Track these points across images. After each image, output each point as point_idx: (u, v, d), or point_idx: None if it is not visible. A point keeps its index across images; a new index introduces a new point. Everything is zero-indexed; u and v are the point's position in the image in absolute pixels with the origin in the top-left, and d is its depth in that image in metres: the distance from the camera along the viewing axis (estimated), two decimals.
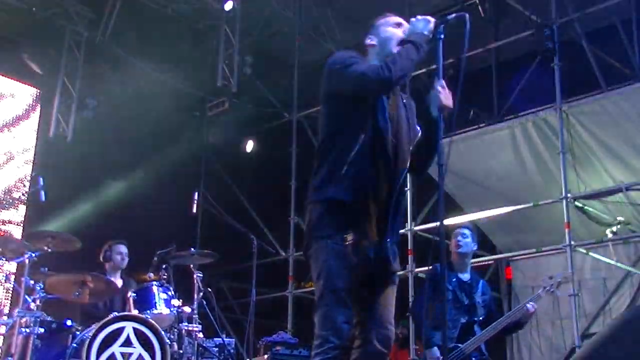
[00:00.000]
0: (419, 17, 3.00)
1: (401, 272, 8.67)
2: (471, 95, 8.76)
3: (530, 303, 4.93)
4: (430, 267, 5.12)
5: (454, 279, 4.95)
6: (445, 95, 2.91)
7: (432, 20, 2.97)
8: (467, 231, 5.06)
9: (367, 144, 2.79)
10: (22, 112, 8.53)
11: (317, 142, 3.03)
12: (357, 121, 2.83)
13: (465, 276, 5.03)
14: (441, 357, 4.62)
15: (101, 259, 6.04)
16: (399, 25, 3.06)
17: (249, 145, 9.52)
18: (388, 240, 2.85)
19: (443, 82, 2.94)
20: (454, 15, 3.01)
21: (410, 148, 2.97)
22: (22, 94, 8.58)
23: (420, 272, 8.26)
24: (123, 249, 6.05)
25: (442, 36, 2.99)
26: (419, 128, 3.03)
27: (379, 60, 2.93)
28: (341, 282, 2.70)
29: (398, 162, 2.88)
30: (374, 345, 2.80)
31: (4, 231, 7.75)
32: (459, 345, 4.75)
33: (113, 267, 6.03)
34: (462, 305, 4.90)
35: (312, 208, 2.87)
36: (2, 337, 5.78)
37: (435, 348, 4.68)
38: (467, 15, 2.94)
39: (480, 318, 4.92)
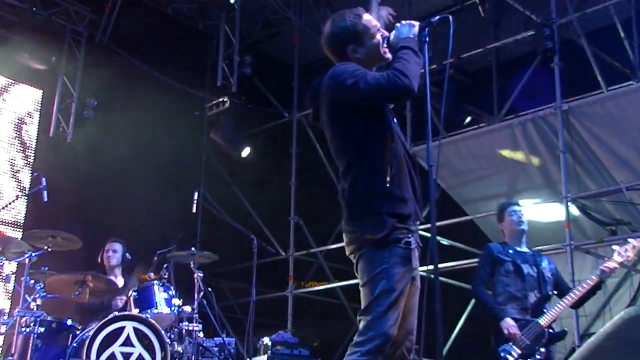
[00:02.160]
0: (403, 22, 3.00)
1: None
2: (471, 95, 8.78)
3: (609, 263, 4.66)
4: (484, 247, 5.05)
5: (510, 251, 4.88)
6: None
7: (416, 24, 2.98)
8: (522, 209, 5.03)
9: (397, 153, 2.86)
10: (22, 112, 8.53)
11: (334, 156, 3.00)
12: (381, 129, 2.88)
13: (523, 248, 4.96)
14: (515, 325, 4.60)
15: (99, 259, 6.07)
16: (379, 29, 3.05)
17: (245, 152, 9.51)
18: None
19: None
20: (437, 17, 3.01)
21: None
22: (22, 94, 8.58)
23: (420, 272, 8.25)
24: (113, 246, 6.09)
25: (427, 39, 3.00)
26: None
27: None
28: (401, 285, 2.77)
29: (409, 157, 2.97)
30: (401, 348, 2.85)
31: (4, 231, 7.75)
32: (534, 319, 4.67)
33: (109, 266, 6.05)
34: (528, 276, 4.80)
35: (362, 221, 2.84)
36: (2, 336, 5.78)
37: (508, 318, 4.62)
38: (450, 17, 2.95)
39: (549, 293, 4.82)
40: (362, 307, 2.79)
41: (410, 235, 2.81)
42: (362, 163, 2.85)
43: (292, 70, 10.26)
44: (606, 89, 7.43)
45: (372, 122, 2.88)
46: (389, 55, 2.99)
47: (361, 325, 2.76)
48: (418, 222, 2.93)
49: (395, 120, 3.02)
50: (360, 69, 2.89)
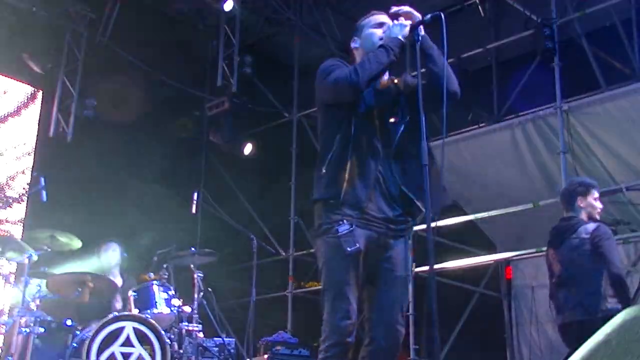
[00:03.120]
0: (396, 21, 2.99)
1: None
2: (471, 95, 8.77)
3: None
4: (604, 226, 4.50)
5: None
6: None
7: (407, 24, 2.97)
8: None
9: (346, 142, 2.84)
10: (22, 112, 8.52)
11: (317, 143, 3.08)
12: (337, 122, 2.90)
13: None
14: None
15: (97, 259, 6.07)
16: (380, 25, 3.07)
17: (248, 149, 9.51)
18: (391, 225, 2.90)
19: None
20: (429, 16, 3.00)
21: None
22: (22, 93, 8.58)
23: (420, 272, 8.25)
24: (113, 245, 6.11)
25: (420, 38, 2.99)
26: None
27: None
28: (342, 275, 2.76)
29: (385, 138, 2.92)
30: (379, 343, 2.81)
31: (4, 231, 7.75)
32: None
33: (108, 265, 6.05)
34: None
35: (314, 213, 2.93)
36: (2, 337, 5.78)
37: None
38: (442, 15, 2.93)
39: None
40: None
41: (340, 222, 2.75)
42: (320, 155, 2.91)
43: (292, 70, 10.26)
44: (606, 89, 7.43)
45: (333, 111, 2.92)
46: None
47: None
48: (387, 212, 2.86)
49: (392, 120, 2.98)
50: (337, 64, 2.93)
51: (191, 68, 9.87)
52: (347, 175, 2.79)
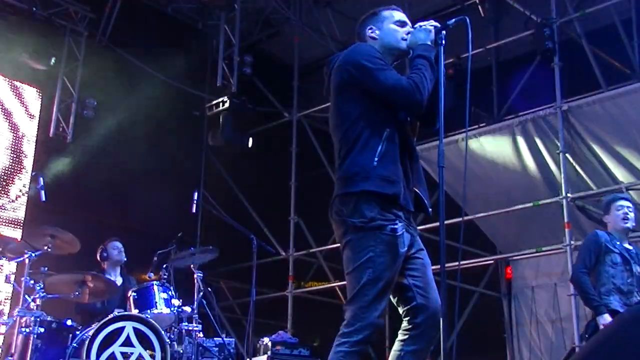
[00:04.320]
0: (420, 25, 3.00)
1: None
2: (471, 95, 8.77)
3: None
4: (591, 233, 4.68)
5: (618, 243, 4.56)
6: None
7: (432, 29, 2.98)
8: (631, 205, 4.69)
9: (392, 137, 2.84)
10: (22, 112, 8.52)
11: (331, 130, 3.01)
12: (383, 116, 2.87)
13: (627, 245, 4.63)
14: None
15: (98, 258, 6.05)
16: (403, 24, 3.07)
17: (250, 142, 9.54)
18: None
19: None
20: (453, 20, 3.02)
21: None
22: (22, 93, 8.58)
23: None
24: (118, 244, 6.09)
25: (444, 41, 3.00)
26: None
27: None
28: (387, 274, 2.74)
29: (413, 150, 2.97)
30: (426, 329, 2.79)
31: (2, 233, 7.74)
32: None
33: (112, 264, 6.04)
34: (636, 274, 4.50)
35: (347, 199, 2.82)
36: (2, 337, 5.78)
37: (607, 315, 4.33)
38: (467, 19, 2.97)
39: None
40: (348, 297, 2.77)
41: (396, 222, 2.77)
42: (356, 138, 2.84)
43: (292, 70, 10.26)
44: (606, 89, 7.43)
45: (378, 105, 2.87)
46: (404, 45, 3.01)
47: (347, 315, 2.74)
48: (411, 213, 2.89)
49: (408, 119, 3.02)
50: (381, 59, 2.90)
51: (191, 68, 9.87)
52: (400, 175, 2.82)
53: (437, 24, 3.02)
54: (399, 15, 3.10)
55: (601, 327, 4.29)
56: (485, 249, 8.90)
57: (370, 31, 3.06)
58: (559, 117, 7.44)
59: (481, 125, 8.51)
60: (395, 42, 3.02)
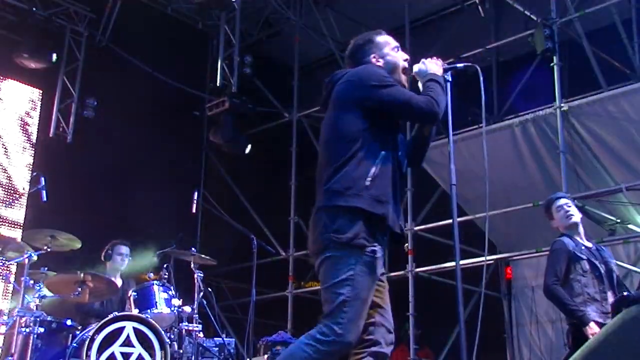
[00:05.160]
0: (429, 59, 3.12)
1: (401, 273, 8.69)
2: (471, 95, 8.78)
3: None
4: (556, 241, 4.57)
5: (583, 247, 4.50)
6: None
7: (440, 64, 3.11)
8: (568, 200, 4.70)
9: (387, 158, 2.90)
10: (22, 112, 8.53)
11: (322, 142, 3.03)
12: (382, 137, 2.93)
13: (588, 243, 4.58)
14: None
15: (102, 257, 6.04)
16: (398, 48, 3.19)
17: (248, 149, 9.54)
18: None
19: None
20: (462, 65, 3.19)
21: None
22: (22, 94, 8.58)
23: (420, 271, 8.26)
24: (124, 249, 6.02)
25: (451, 80, 3.12)
26: None
27: None
28: (366, 294, 2.78)
29: (402, 176, 3.05)
30: (382, 346, 2.87)
31: (3, 234, 7.74)
32: None
33: (112, 267, 6.02)
34: (603, 276, 4.44)
35: (333, 213, 2.82)
36: (2, 337, 5.78)
37: (593, 323, 4.21)
38: (478, 68, 3.14)
39: (626, 294, 4.28)
40: (325, 312, 2.76)
41: (376, 245, 2.79)
42: (351, 155, 2.86)
43: (292, 70, 10.26)
44: (606, 89, 7.43)
45: (378, 125, 2.92)
46: (403, 77, 3.12)
47: (323, 328, 2.73)
48: (396, 230, 2.91)
49: (401, 137, 3.09)
50: (390, 77, 3.00)
51: (191, 68, 9.87)
52: (390, 197, 2.86)
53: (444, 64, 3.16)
54: (392, 40, 3.21)
55: (589, 336, 4.20)
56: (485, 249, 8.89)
57: (373, 59, 3.13)
58: (559, 117, 7.44)
59: (481, 125, 8.50)
60: (395, 69, 3.12)
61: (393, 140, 2.98)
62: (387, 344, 2.89)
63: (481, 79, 3.13)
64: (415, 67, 3.10)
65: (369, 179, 2.81)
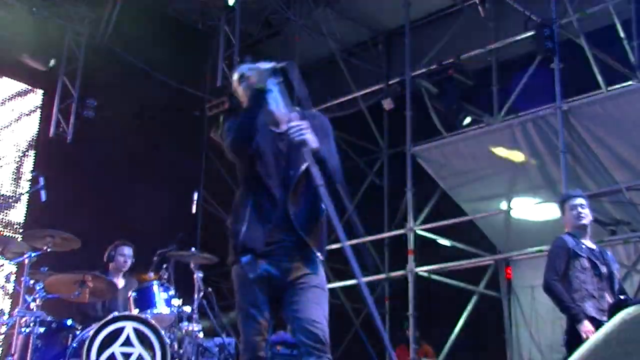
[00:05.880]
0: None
1: (400, 273, 8.68)
2: (471, 95, 8.78)
3: None
4: (557, 239, 4.64)
5: (583, 246, 4.55)
6: (298, 130, 3.03)
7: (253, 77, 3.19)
8: (584, 200, 4.69)
9: (248, 184, 3.26)
10: (22, 112, 8.53)
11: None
12: (241, 170, 3.40)
13: (590, 244, 4.63)
14: (594, 330, 4.21)
15: (105, 258, 6.03)
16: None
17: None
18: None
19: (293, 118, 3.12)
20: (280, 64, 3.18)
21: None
22: (22, 94, 8.58)
23: (421, 271, 8.25)
24: (127, 251, 6.00)
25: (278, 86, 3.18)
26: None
27: None
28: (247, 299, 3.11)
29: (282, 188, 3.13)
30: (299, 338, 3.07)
31: (3, 233, 7.75)
32: None
33: (115, 268, 6.01)
34: (603, 276, 4.49)
35: None
36: (2, 337, 5.78)
37: (587, 322, 4.29)
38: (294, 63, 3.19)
39: (623, 298, 4.47)
40: None
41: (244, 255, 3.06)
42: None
43: None
44: (606, 89, 7.43)
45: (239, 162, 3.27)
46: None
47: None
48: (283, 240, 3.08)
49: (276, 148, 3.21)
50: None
51: (191, 68, 9.87)
52: (242, 224, 3.18)
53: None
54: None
55: (582, 334, 4.26)
56: (485, 249, 8.90)
57: None
58: (559, 117, 7.44)
59: (481, 125, 8.51)
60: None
61: (255, 173, 3.16)
62: (307, 337, 3.13)
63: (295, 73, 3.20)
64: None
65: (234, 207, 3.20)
